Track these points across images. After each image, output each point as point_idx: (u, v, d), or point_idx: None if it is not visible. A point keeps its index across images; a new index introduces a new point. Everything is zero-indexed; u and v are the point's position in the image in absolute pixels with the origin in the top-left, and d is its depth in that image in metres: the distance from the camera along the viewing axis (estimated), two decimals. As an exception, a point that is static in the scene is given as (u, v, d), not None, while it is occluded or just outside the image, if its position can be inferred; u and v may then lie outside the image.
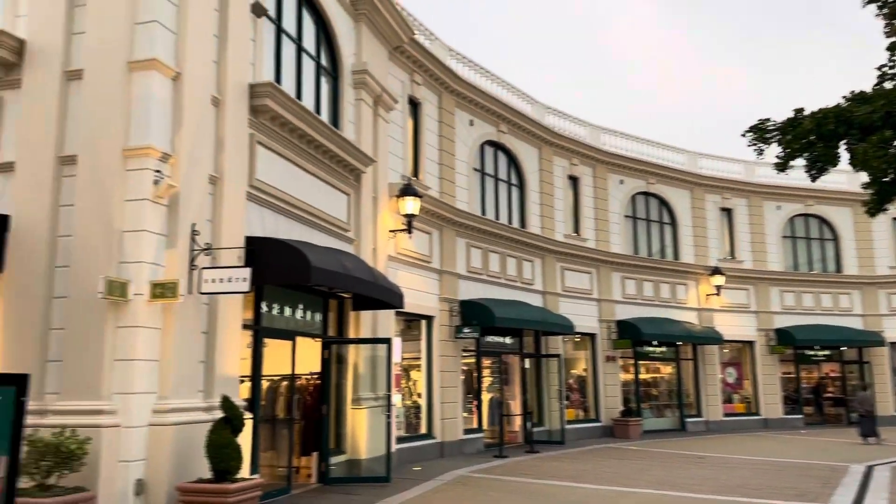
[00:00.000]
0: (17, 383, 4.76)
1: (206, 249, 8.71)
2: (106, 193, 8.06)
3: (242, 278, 8.36)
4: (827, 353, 26.85)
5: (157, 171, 8.23)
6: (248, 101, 9.92)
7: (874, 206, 12.72)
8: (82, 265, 7.93)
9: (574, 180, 22.68)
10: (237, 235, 9.41)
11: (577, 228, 22.44)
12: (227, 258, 9.06)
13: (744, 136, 13.65)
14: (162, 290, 8.02)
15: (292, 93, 11.42)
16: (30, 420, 6.64)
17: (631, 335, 22.23)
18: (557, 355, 19.99)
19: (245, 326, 9.77)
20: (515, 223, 20.26)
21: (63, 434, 7.10)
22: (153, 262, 8.17)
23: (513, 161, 20.61)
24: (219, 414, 8.34)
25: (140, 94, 8.34)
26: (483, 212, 19.06)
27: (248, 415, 8.87)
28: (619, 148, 23.98)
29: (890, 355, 26.32)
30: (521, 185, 20.78)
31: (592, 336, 22.13)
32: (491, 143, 19.88)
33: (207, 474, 8.03)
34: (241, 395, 9.46)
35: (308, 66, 12.34)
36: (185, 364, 8.41)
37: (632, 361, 23.37)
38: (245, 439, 8.59)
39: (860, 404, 20.55)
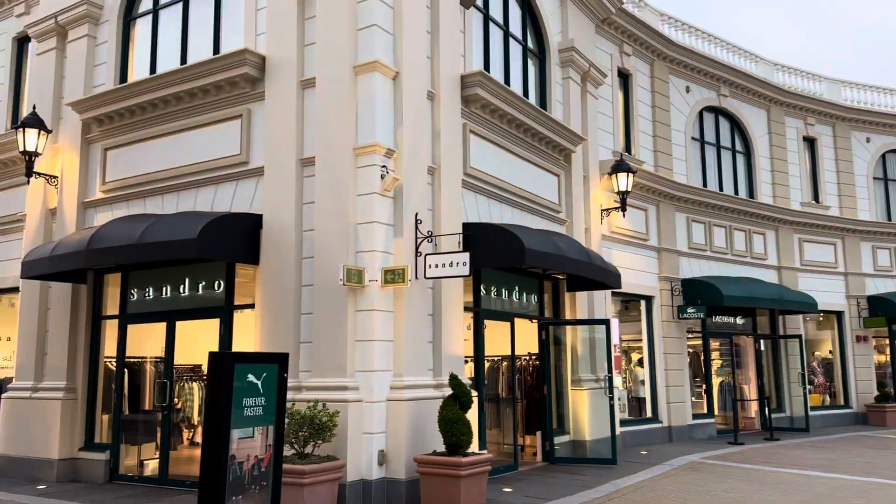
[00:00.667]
0: (280, 361, 5.40)
1: (428, 237, 9.18)
2: (341, 189, 8.80)
3: (462, 262, 8.68)
4: None
5: (383, 167, 8.83)
6: (459, 92, 10.24)
7: None
8: (324, 255, 8.75)
9: (810, 142, 20.51)
10: (455, 222, 9.79)
11: (816, 195, 20.29)
12: (447, 244, 9.47)
13: None
14: (393, 276, 8.61)
15: (500, 79, 11.60)
16: (288, 395, 7.49)
17: (886, 312, 19.65)
18: (798, 336, 18.27)
19: (466, 309, 10.15)
20: (742, 193, 18.81)
21: (316, 408, 7.92)
22: (384, 250, 8.79)
23: (736, 126, 19.12)
24: (447, 391, 8.78)
25: (365, 96, 8.98)
26: (704, 183, 17.94)
27: (473, 393, 9.22)
28: (864, 102, 21.22)
29: None
30: (748, 152, 19.22)
31: (839, 314, 19.93)
32: (710, 108, 18.61)
33: (440, 447, 8.50)
34: (465, 374, 9.87)
35: (515, 50, 12.44)
36: (416, 344, 8.95)
37: (887, 341, 20.67)
38: (472, 416, 8.94)
39: None
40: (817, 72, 20.95)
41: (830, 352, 20.22)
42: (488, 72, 11.13)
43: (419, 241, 9.08)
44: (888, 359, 20.66)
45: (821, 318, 20.08)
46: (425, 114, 9.65)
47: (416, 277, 8.97)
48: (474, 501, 8.16)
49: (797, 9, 61.32)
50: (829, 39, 58.18)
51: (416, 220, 9.13)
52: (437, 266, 8.85)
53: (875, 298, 19.95)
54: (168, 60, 10.96)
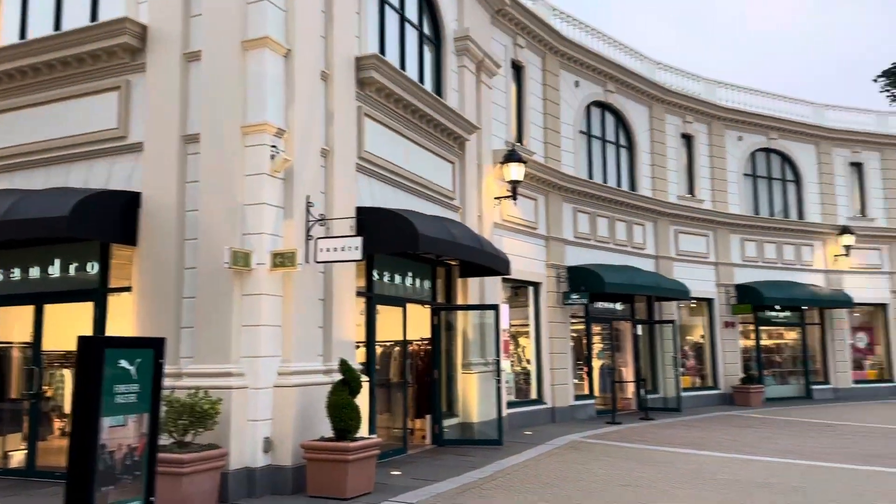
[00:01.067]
0: (155, 346, 5.17)
1: (320, 220, 9.04)
2: (227, 169, 8.50)
3: (355, 247, 8.62)
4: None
5: (273, 147, 8.59)
6: (354, 74, 10.11)
7: None
8: (208, 237, 8.44)
9: (688, 139, 21.73)
10: (348, 206, 9.69)
11: (691, 189, 21.55)
12: (340, 228, 9.36)
13: (875, 81, 12.66)
14: (282, 260, 8.42)
15: (396, 63, 11.55)
16: (167, 382, 7.21)
17: (751, 300, 21.23)
18: (672, 321, 19.41)
19: (359, 294, 10.10)
20: (625, 186, 19.70)
21: (197, 395, 7.65)
22: (273, 233, 8.57)
23: (621, 121, 19.98)
24: (337, 376, 8.71)
25: (254, 72, 8.69)
26: (590, 175, 18.65)
27: (364, 378, 9.20)
28: (736, 102, 22.72)
29: None
30: (631, 146, 20.14)
31: (709, 301, 21.32)
32: (598, 103, 19.33)
33: (328, 433, 8.44)
34: (357, 359, 9.83)
35: (411, 36, 12.41)
36: (305, 329, 8.82)
37: (752, 327, 22.34)
38: (362, 401, 8.93)
39: None
40: (696, 72, 22.20)
41: (702, 336, 21.62)
42: (384, 55, 11.06)
43: (310, 224, 8.93)
44: (753, 343, 22.34)
45: (693, 305, 21.41)
46: (318, 94, 9.47)
47: (307, 261, 8.81)
48: (362, 486, 8.17)
49: (686, 15, 64.90)
50: (715, 45, 62.14)
51: (308, 203, 8.96)
52: (328, 250, 8.74)
53: (742, 287, 21.48)
54: (40, 26, 10.17)
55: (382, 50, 11.35)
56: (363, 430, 8.76)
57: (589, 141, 19.03)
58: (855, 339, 23.91)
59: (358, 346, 10.13)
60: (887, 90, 12.67)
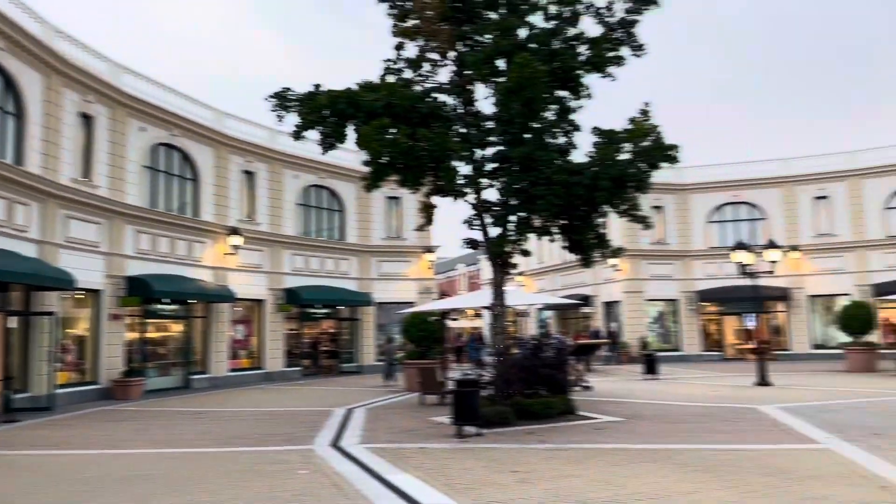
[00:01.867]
0: None
1: None
2: None
3: None
4: (327, 311, 29.99)
5: None
6: None
7: (371, 183, 14.60)
8: None
9: (88, 119, 20.34)
10: None
11: (87, 173, 20.20)
12: None
13: (267, 100, 14.18)
14: None
15: None
16: None
17: (142, 292, 21.11)
18: (51, 313, 17.75)
19: None
20: (10, 159, 17.20)
21: None
22: None
23: (10, 83, 17.41)
24: None
25: None
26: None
27: None
28: (142, 92, 22.37)
29: (376, 314, 30.68)
30: (20, 115, 17.72)
31: (97, 292, 20.31)
32: (-21, 57, 16.43)
33: None
34: None
35: None
36: None
37: (140, 320, 22.22)
38: None
39: (385, 354, 24.69)
40: (103, 51, 21.02)
41: (86, 329, 20.40)
42: None
43: None
44: (139, 336, 22.19)
45: (80, 296, 20.05)
46: None
47: None
48: None
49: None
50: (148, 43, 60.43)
51: None
52: None
53: (134, 279, 21.15)
54: None
55: None
56: None
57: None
58: (235, 331, 26.23)
59: None
60: (276, 110, 14.27)
